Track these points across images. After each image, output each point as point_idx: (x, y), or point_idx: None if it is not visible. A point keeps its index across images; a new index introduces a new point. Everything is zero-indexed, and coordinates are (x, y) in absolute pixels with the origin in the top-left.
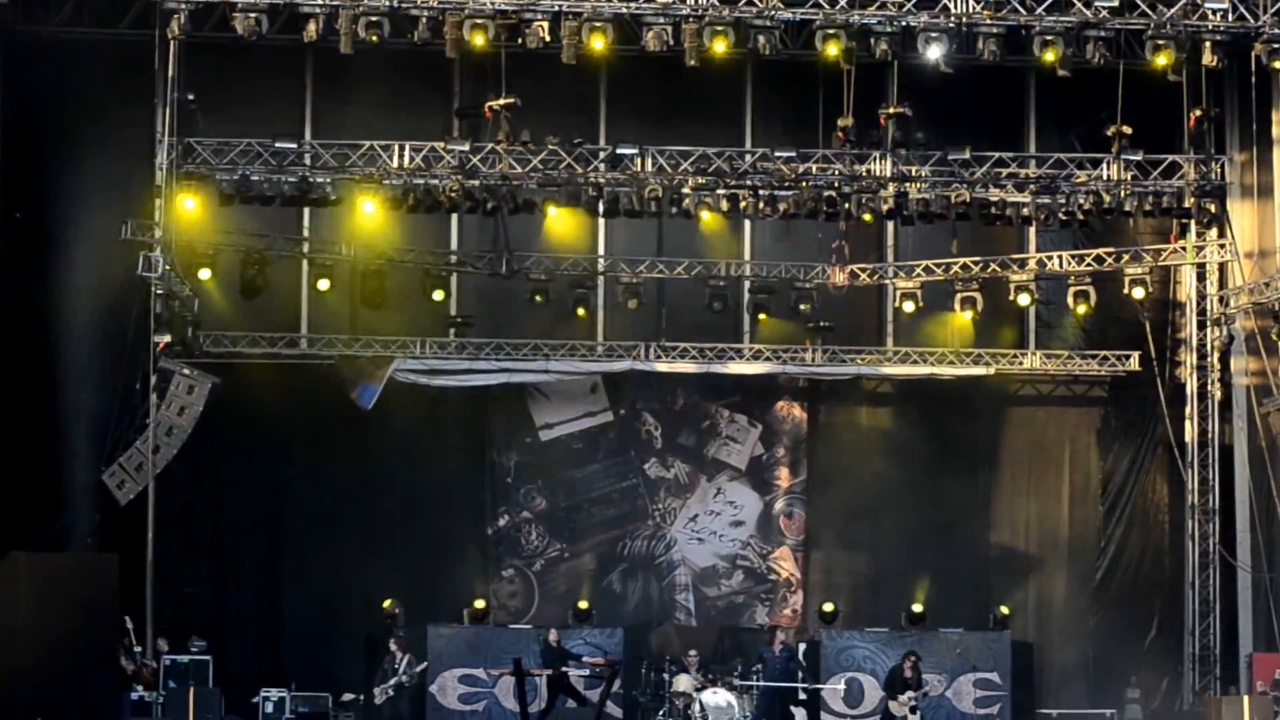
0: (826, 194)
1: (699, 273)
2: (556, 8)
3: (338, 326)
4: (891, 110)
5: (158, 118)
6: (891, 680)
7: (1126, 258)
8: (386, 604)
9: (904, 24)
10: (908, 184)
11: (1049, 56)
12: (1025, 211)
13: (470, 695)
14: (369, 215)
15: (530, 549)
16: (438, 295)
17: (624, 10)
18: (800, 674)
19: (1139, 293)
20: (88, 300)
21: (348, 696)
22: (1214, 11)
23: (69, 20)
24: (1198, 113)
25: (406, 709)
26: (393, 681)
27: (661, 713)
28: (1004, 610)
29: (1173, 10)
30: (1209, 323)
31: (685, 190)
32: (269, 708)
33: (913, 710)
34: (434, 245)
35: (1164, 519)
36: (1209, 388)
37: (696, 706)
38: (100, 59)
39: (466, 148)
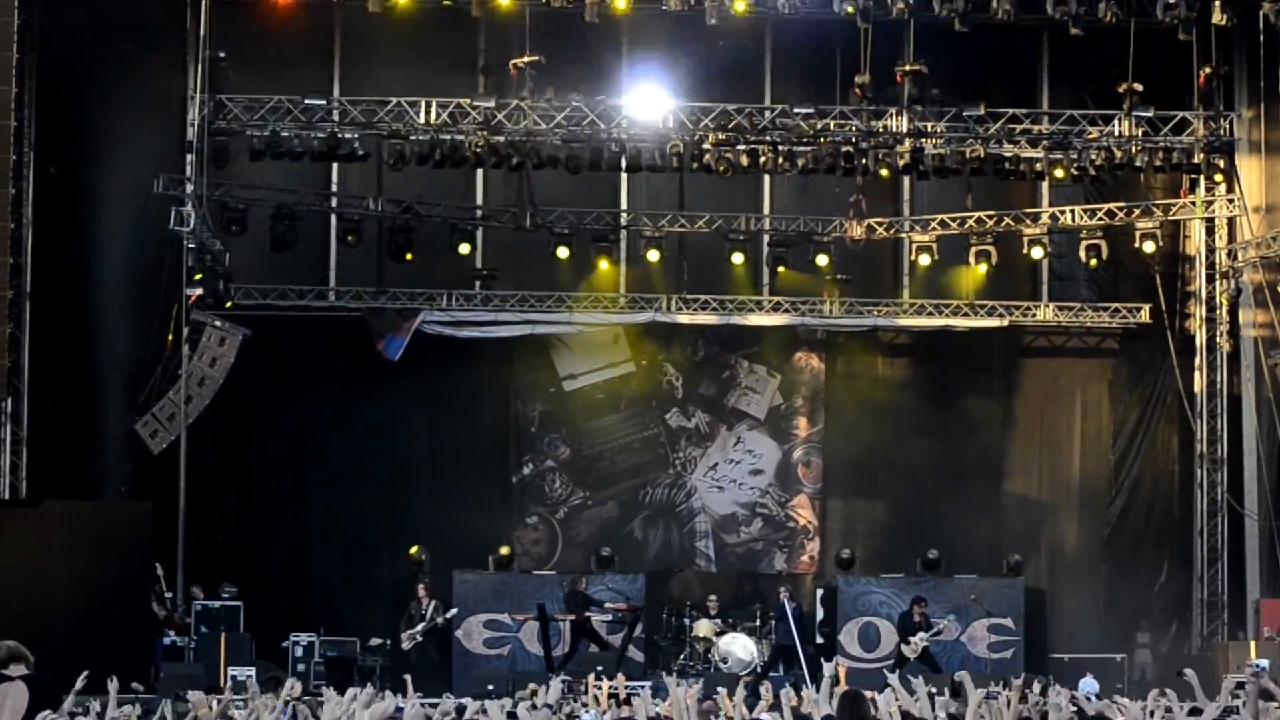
0: (844, 149)
1: (719, 226)
2: None
3: (365, 279)
4: (908, 68)
5: (189, 75)
6: (903, 624)
7: (1137, 212)
8: (413, 551)
9: None
10: (923, 140)
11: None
12: (1038, 167)
13: (495, 640)
14: (396, 170)
15: (554, 497)
16: (463, 249)
17: None
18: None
19: (1149, 246)
20: (121, 254)
21: (375, 641)
22: None
23: None
24: (1207, 70)
25: (433, 653)
26: (419, 627)
27: (682, 657)
28: (1017, 557)
29: None
30: (1218, 276)
31: (706, 146)
32: (298, 652)
33: (924, 652)
34: (459, 200)
35: (1173, 468)
36: (1218, 339)
37: (716, 651)
38: (133, 18)
39: (492, 104)
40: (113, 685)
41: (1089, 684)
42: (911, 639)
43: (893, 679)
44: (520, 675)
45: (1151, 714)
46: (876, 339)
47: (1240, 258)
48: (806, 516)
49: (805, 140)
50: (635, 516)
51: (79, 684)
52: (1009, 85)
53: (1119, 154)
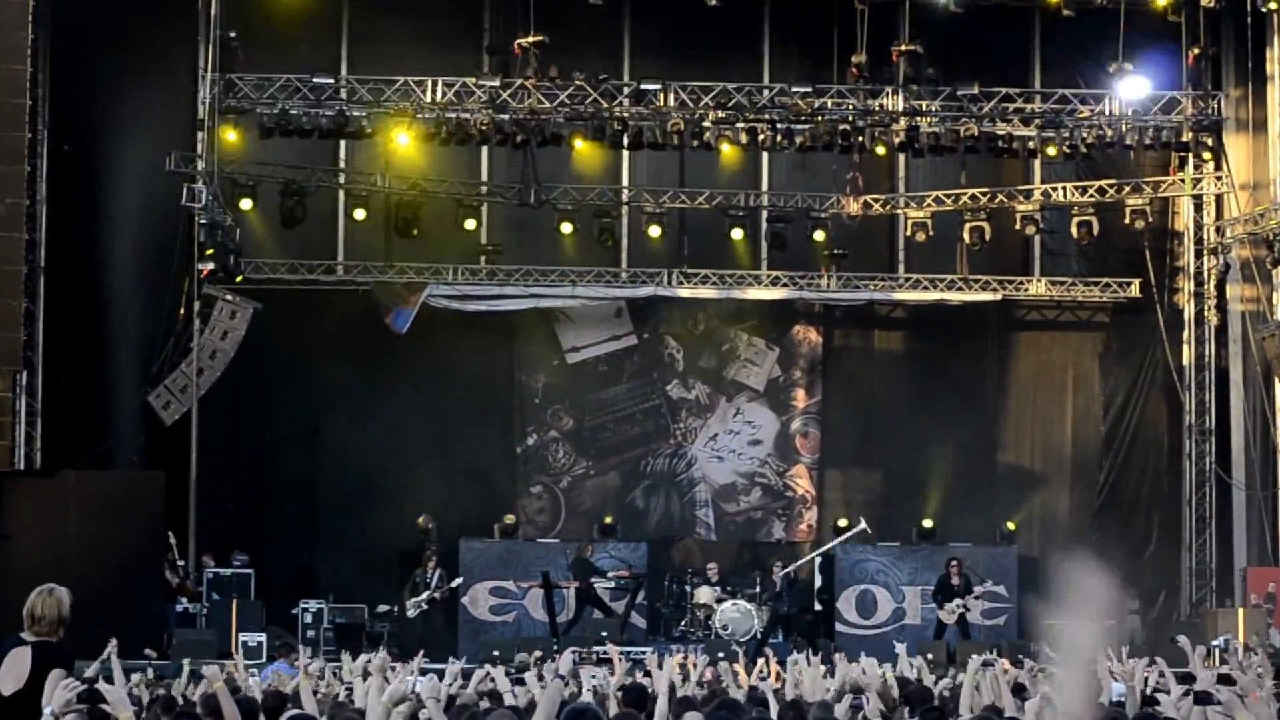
0: (841, 127)
1: (719, 203)
2: None
3: (373, 254)
4: (903, 47)
5: (200, 54)
6: (941, 588)
7: (1127, 189)
8: (420, 520)
9: None
10: (919, 118)
11: None
12: (1031, 145)
13: (500, 606)
14: (403, 147)
15: (557, 466)
16: (469, 224)
17: None
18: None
19: (1139, 223)
20: (133, 229)
21: (382, 608)
22: None
23: None
24: (1196, 50)
25: (439, 621)
26: (424, 595)
27: (683, 623)
28: (1010, 526)
29: None
30: (1206, 252)
31: (706, 124)
32: (307, 619)
33: (960, 618)
34: (465, 176)
35: (1163, 439)
36: (1206, 314)
37: (716, 618)
38: None
39: (497, 83)
40: (112, 645)
41: None
42: (948, 604)
43: (901, 648)
44: (525, 641)
45: (1145, 680)
46: (873, 312)
47: (1228, 234)
48: (804, 486)
49: (803, 118)
50: (637, 486)
51: (106, 652)
52: (1002, 65)
53: (1109, 132)
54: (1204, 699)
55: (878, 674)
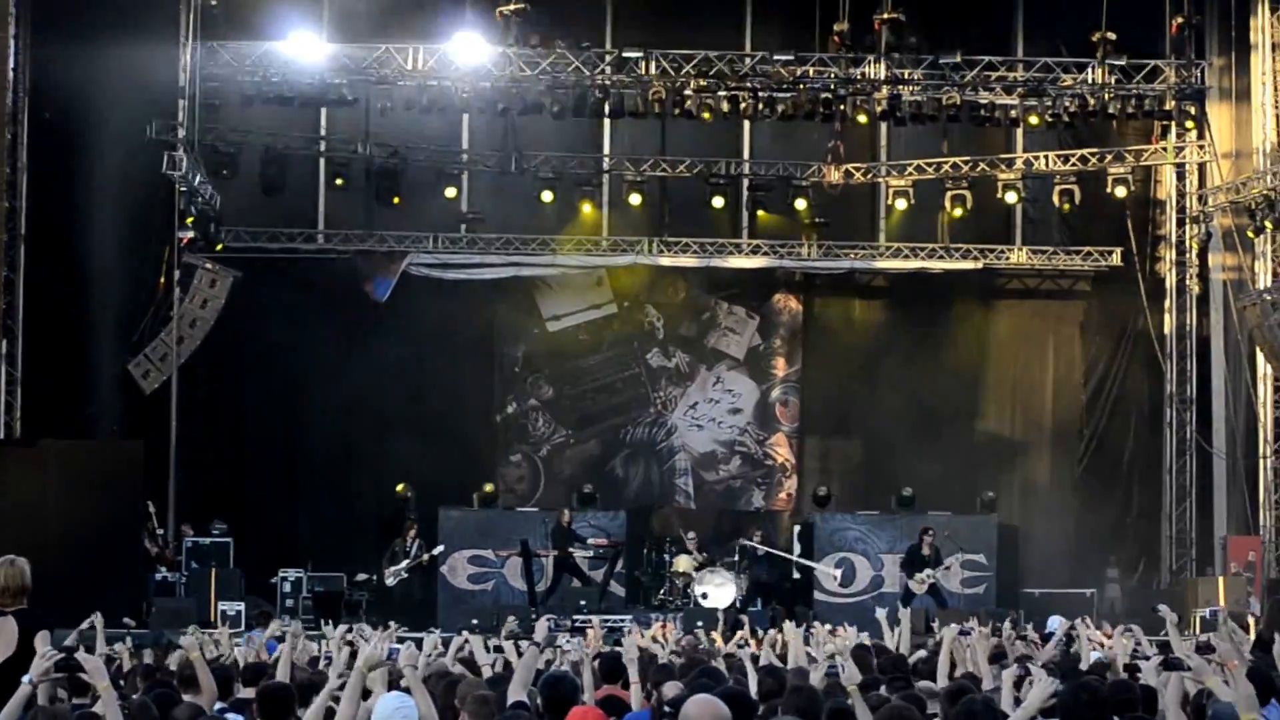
0: (823, 96)
1: (700, 171)
2: None
3: (353, 222)
4: (886, 15)
5: (181, 22)
6: (911, 557)
7: (1109, 158)
8: (399, 488)
9: None
10: (901, 86)
11: None
12: (1013, 113)
13: (479, 575)
14: (384, 115)
15: (537, 435)
16: (449, 192)
17: None
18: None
19: (1121, 191)
20: (114, 198)
21: (361, 576)
22: None
23: None
24: (1179, 20)
25: (417, 589)
26: (404, 564)
27: (662, 591)
28: (990, 494)
29: None
30: (1188, 220)
31: (687, 92)
32: (286, 587)
33: (931, 588)
34: (446, 144)
35: (1143, 408)
36: (1187, 282)
37: (695, 586)
38: None
39: (478, 51)
40: (97, 619)
41: (1059, 621)
42: (918, 574)
43: (881, 614)
44: (504, 609)
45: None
46: (853, 281)
47: (1210, 203)
48: (784, 455)
49: (785, 87)
50: (616, 454)
51: (86, 624)
52: (985, 33)
53: (1092, 101)
54: (1174, 665)
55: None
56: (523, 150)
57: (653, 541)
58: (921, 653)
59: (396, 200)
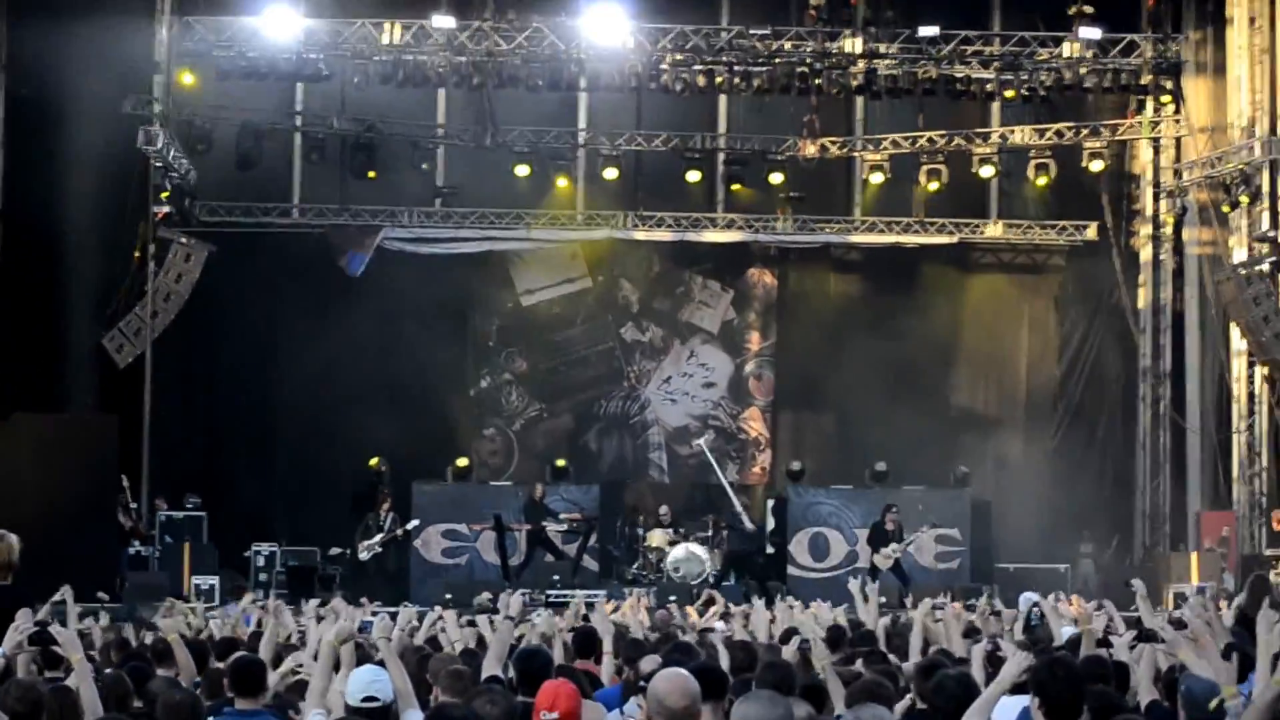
0: (799, 70)
1: (675, 145)
2: None
3: (328, 197)
4: None
5: None
6: (874, 535)
7: (1085, 132)
8: (373, 462)
9: None
10: (877, 60)
11: None
12: (989, 87)
13: (453, 549)
14: (359, 90)
15: (511, 409)
16: (424, 167)
17: None
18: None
19: (1097, 166)
20: (90, 172)
21: (335, 551)
22: None
23: None
24: None
25: (391, 563)
26: (378, 538)
27: (635, 566)
28: (964, 469)
29: None
30: (1163, 195)
31: (663, 66)
32: (260, 561)
33: (895, 564)
34: (421, 119)
35: (1118, 382)
36: (1162, 257)
37: (668, 560)
38: None
39: (454, 25)
40: (67, 592)
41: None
42: (883, 549)
43: (854, 585)
44: (477, 584)
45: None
46: (828, 255)
47: (1186, 177)
48: (758, 429)
49: (761, 61)
50: (590, 428)
51: (57, 596)
52: (961, 7)
53: (1068, 75)
54: (1149, 637)
55: (828, 618)
56: (498, 124)
57: (626, 516)
58: (885, 620)
59: (372, 174)
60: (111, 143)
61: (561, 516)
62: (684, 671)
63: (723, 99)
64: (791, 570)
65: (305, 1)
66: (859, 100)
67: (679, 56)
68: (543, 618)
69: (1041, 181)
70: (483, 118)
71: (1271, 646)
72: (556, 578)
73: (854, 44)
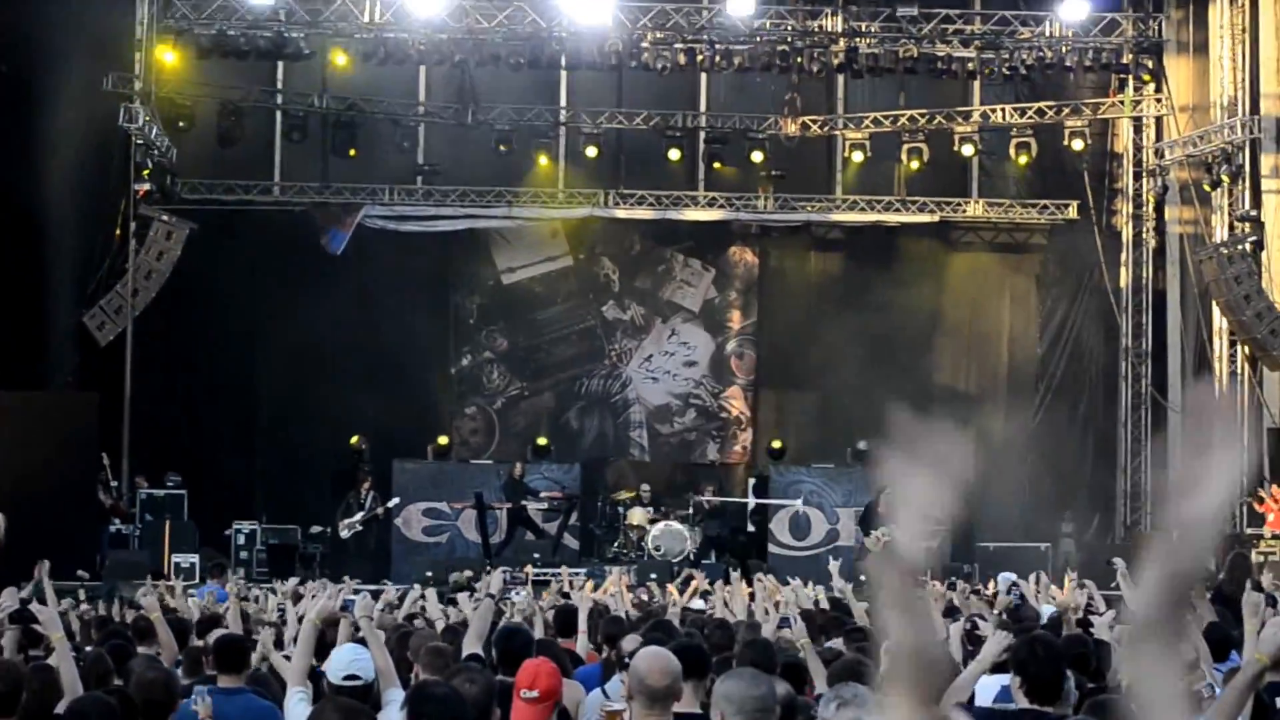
0: (780, 48)
1: (657, 123)
2: None
3: (309, 175)
4: None
5: None
6: (867, 516)
7: (1067, 111)
8: (354, 440)
9: None
10: (858, 39)
11: None
12: (970, 66)
13: (433, 528)
14: (340, 68)
15: (492, 387)
16: (405, 145)
17: None
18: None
19: (1078, 144)
20: (70, 150)
21: (316, 529)
22: None
23: None
24: None
25: (371, 542)
26: (358, 516)
27: (616, 544)
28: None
29: None
30: (1145, 174)
31: (644, 44)
32: (240, 540)
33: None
34: (402, 97)
35: (1099, 361)
36: (1144, 236)
37: (649, 539)
38: None
39: (434, 2)
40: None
41: (1008, 577)
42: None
43: (834, 565)
44: (458, 562)
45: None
46: (809, 234)
47: (1167, 156)
48: (739, 407)
49: (741, 39)
50: (571, 407)
51: (36, 573)
52: None
53: (1049, 54)
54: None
55: (808, 595)
56: (479, 102)
57: (607, 494)
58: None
59: (353, 152)
60: (92, 120)
61: (542, 495)
62: (665, 650)
63: (704, 77)
64: (773, 549)
65: None
66: (840, 79)
67: (660, 35)
68: (522, 597)
69: (1023, 160)
70: (464, 96)
71: (1256, 629)
72: (537, 556)
73: (835, 22)
